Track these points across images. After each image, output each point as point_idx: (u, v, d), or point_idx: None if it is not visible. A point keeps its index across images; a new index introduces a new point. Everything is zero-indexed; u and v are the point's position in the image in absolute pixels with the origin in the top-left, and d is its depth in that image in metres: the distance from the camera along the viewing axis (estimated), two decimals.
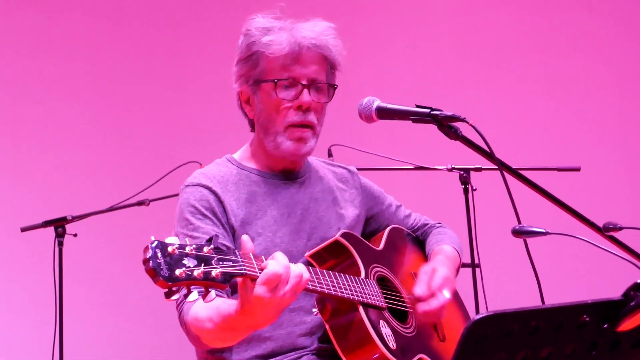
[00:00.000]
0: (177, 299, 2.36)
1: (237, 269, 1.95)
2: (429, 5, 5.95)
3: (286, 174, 2.66)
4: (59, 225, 4.37)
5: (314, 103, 2.56)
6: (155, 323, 5.54)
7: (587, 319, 1.65)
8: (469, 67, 5.82)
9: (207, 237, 2.36)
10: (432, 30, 5.88)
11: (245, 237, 2.06)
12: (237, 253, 1.99)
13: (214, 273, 1.88)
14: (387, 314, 2.52)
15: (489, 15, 5.91)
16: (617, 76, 5.84)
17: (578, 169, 4.24)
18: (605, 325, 1.66)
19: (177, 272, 1.84)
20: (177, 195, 4.38)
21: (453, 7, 5.95)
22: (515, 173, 2.34)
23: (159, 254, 1.85)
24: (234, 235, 2.50)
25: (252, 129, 2.69)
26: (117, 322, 5.52)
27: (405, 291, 2.67)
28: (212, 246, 1.92)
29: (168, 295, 1.88)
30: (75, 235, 4.41)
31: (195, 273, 1.86)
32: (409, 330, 2.57)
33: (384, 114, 2.43)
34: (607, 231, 2.25)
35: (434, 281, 2.60)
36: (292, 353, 2.51)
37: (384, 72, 5.55)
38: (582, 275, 5.35)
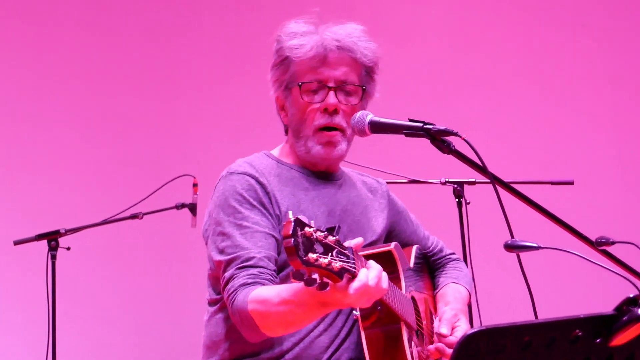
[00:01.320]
0: (228, 287, 2.35)
1: (350, 266, 1.94)
2: (423, 21, 5.96)
3: (324, 174, 2.65)
4: (52, 238, 4.36)
5: (342, 105, 2.55)
6: (149, 336, 5.53)
7: (580, 333, 1.64)
8: (462, 81, 5.83)
9: (257, 227, 2.40)
10: (425, 45, 5.89)
11: (360, 239, 2.05)
12: (351, 249, 1.98)
13: (334, 265, 1.87)
14: (414, 335, 2.52)
15: (482, 30, 5.92)
16: (612, 90, 5.86)
17: (572, 183, 4.24)
18: (598, 340, 1.66)
19: (310, 255, 1.83)
20: (170, 208, 4.46)
21: (447, 23, 5.96)
22: (508, 187, 2.34)
23: (299, 232, 1.82)
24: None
25: (286, 133, 2.68)
26: (111, 336, 5.49)
27: (423, 314, 2.68)
28: (335, 237, 1.91)
29: (296, 276, 1.86)
30: (68, 248, 4.39)
31: (322, 260, 1.84)
32: (424, 355, 2.57)
33: (377, 128, 2.43)
34: (599, 245, 2.26)
35: (457, 330, 2.60)
36: None
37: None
38: (575, 290, 5.35)
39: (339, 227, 1.95)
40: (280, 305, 2.20)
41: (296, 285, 2.13)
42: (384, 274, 2.08)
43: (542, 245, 2.21)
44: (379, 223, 2.75)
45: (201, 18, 5.96)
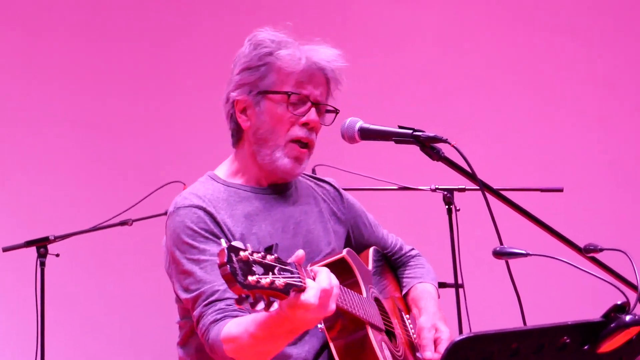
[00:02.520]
0: (200, 327, 2.34)
1: (295, 280, 1.94)
2: (413, 28, 5.97)
3: (275, 188, 2.61)
4: (41, 245, 4.35)
5: (318, 124, 2.55)
6: (139, 343, 5.51)
7: (568, 340, 1.65)
8: (452, 88, 5.84)
9: (215, 258, 2.29)
10: (415, 52, 5.90)
11: (301, 252, 2.05)
12: (294, 264, 1.98)
13: (277, 282, 1.87)
14: (385, 336, 2.52)
15: (473, 37, 5.93)
16: (601, 97, 5.88)
17: (561, 190, 4.25)
18: (586, 347, 1.67)
19: (250, 278, 1.82)
20: (160, 215, 4.45)
21: (437, 29, 5.97)
22: (497, 194, 2.35)
23: (234, 258, 1.82)
24: None
25: (235, 143, 2.62)
26: (100, 342, 5.48)
27: (391, 313, 2.67)
28: (274, 255, 1.91)
29: (239, 302, 1.86)
30: (57, 255, 4.38)
31: (263, 281, 1.84)
32: (399, 354, 2.57)
33: (367, 134, 2.44)
34: (587, 252, 2.26)
35: (441, 345, 2.59)
36: None
37: (367, 93, 5.56)
38: (563, 296, 5.36)
39: (277, 245, 1.94)
40: (251, 340, 2.21)
41: (261, 317, 2.13)
42: (332, 274, 2.09)
43: (530, 252, 2.22)
44: (335, 229, 2.72)
45: (191, 25, 5.96)
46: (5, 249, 4.44)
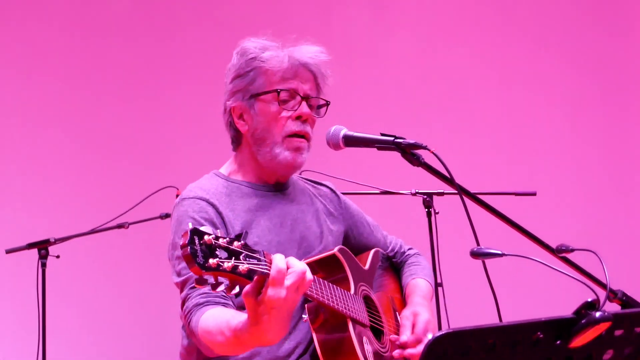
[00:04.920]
0: (184, 308, 2.35)
1: (261, 268, 1.92)
2: (392, 37, 5.97)
3: (273, 186, 2.64)
4: (42, 247, 4.35)
5: (311, 116, 2.57)
6: (139, 344, 5.49)
7: (541, 336, 1.65)
8: (431, 98, 5.85)
9: None
10: (395, 64, 5.91)
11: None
12: (262, 252, 1.96)
13: (241, 268, 1.86)
14: (369, 332, 2.52)
15: (449, 46, 5.95)
16: (571, 106, 5.90)
17: (534, 194, 4.26)
18: (559, 342, 1.67)
19: (211, 261, 1.82)
20: (155, 218, 4.45)
21: (414, 42, 5.98)
22: (474, 198, 2.35)
23: (197, 241, 1.82)
24: None
25: (235, 146, 2.67)
26: (101, 343, 5.45)
27: (383, 312, 2.67)
28: (242, 242, 1.91)
29: (199, 282, 1.86)
30: (57, 256, 4.38)
31: (225, 265, 1.84)
32: (384, 350, 2.57)
33: (351, 142, 2.45)
34: (559, 252, 2.27)
35: (417, 327, 2.59)
36: None
37: (350, 102, 5.55)
38: (537, 294, 5.37)
39: (247, 232, 1.94)
40: (223, 341, 2.20)
41: (235, 325, 2.12)
42: (292, 258, 2.01)
43: (506, 253, 2.22)
44: (332, 228, 2.73)
45: (186, 33, 5.93)
46: (8, 251, 4.43)
